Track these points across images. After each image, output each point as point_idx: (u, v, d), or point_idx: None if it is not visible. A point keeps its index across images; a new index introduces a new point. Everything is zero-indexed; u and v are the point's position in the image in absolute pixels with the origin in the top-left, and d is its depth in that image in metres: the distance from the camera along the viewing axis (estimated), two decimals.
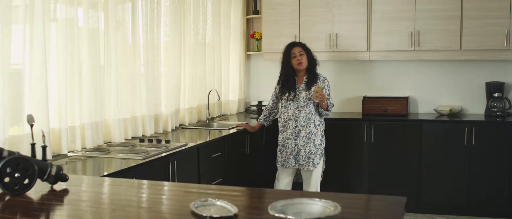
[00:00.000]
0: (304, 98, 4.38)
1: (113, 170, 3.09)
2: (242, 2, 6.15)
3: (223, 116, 5.89)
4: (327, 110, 4.40)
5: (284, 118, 4.46)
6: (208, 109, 5.40)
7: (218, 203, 1.87)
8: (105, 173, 3.00)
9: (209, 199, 1.90)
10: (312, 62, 4.45)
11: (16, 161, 2.02)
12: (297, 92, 4.40)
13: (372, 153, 5.41)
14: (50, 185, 2.17)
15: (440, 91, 5.78)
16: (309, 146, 4.40)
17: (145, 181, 2.35)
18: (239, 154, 4.85)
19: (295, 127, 4.39)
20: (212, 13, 5.50)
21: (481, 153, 5.07)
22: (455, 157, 5.15)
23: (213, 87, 5.49)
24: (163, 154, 3.63)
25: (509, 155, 4.97)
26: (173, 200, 2.03)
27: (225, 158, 4.54)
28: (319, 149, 4.43)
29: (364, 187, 5.44)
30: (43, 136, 2.19)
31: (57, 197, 2.10)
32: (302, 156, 4.42)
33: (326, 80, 4.45)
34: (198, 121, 5.33)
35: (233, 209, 1.80)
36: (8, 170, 2.01)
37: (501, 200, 5.02)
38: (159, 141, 4.06)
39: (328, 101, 4.39)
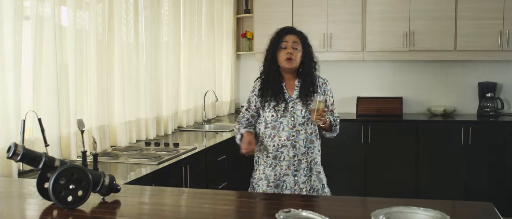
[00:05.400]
0: (303, 112, 2.90)
1: (134, 177, 2.92)
2: (233, 0, 6.01)
3: (216, 118, 5.73)
4: (331, 131, 3.02)
5: (274, 146, 2.90)
6: (204, 110, 5.23)
7: (304, 213, 1.74)
8: (128, 181, 2.82)
9: (291, 209, 1.76)
10: (309, 63, 2.97)
11: (70, 171, 1.83)
12: (291, 104, 2.91)
13: (369, 154, 5.38)
14: (102, 197, 1.97)
15: (433, 91, 5.81)
16: (313, 181, 2.95)
17: (200, 190, 2.19)
18: (240, 157, 4.70)
19: (294, 156, 2.89)
20: (206, 13, 5.34)
21: (478, 153, 5.12)
22: (452, 157, 5.18)
23: (207, 88, 5.33)
24: (178, 158, 3.48)
25: (506, 154, 5.03)
26: (248, 212, 1.87)
27: (229, 161, 4.40)
28: (325, 185, 3.02)
29: (361, 189, 5.40)
30: (94, 142, 1.99)
31: (111, 210, 1.92)
32: None
33: (327, 84, 3.07)
34: (195, 123, 5.16)
35: None
36: (62, 181, 1.82)
37: (500, 199, 5.07)
38: (166, 144, 3.88)
39: (332, 117, 3.02)
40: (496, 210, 1.77)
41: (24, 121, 1.96)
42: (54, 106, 3.07)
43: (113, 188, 1.98)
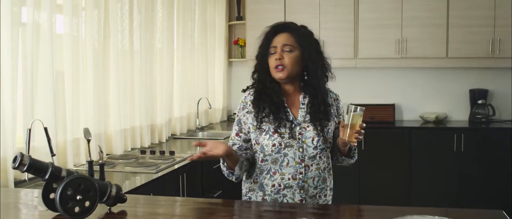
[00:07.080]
0: (315, 141, 2.21)
1: (132, 186, 2.88)
2: (225, 8, 5.99)
3: (209, 125, 5.69)
4: (350, 156, 2.37)
5: (274, 186, 2.19)
6: (198, 118, 5.20)
7: None
8: (126, 190, 2.77)
9: (303, 218, 1.75)
10: (315, 68, 2.25)
11: (77, 182, 1.79)
12: (298, 129, 2.20)
13: (361, 161, 5.35)
14: (108, 208, 1.93)
15: (425, 98, 5.84)
16: None
17: (202, 200, 2.15)
18: None
19: (301, 201, 2.21)
20: (198, 19, 5.31)
21: (470, 160, 5.15)
22: (445, 164, 5.21)
23: (200, 95, 5.30)
24: (175, 167, 3.45)
25: (498, 161, 5.07)
26: None
27: None
28: None
29: (354, 196, 5.40)
30: (101, 151, 1.95)
31: None
32: None
33: (339, 100, 2.41)
34: (188, 130, 5.12)
35: None
36: (69, 191, 1.77)
37: (493, 206, 5.10)
38: (162, 152, 3.84)
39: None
40: (508, 217, 1.77)
41: (29, 130, 1.91)
42: (50, 114, 3.02)
43: (120, 198, 1.94)
